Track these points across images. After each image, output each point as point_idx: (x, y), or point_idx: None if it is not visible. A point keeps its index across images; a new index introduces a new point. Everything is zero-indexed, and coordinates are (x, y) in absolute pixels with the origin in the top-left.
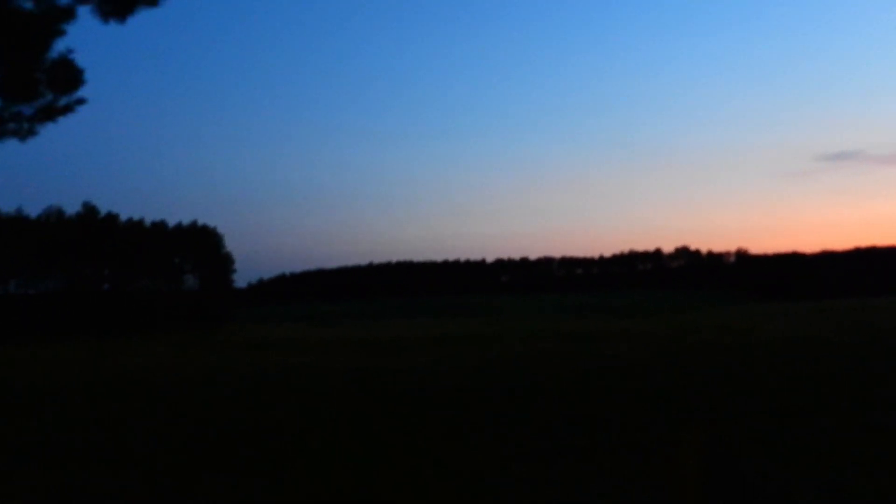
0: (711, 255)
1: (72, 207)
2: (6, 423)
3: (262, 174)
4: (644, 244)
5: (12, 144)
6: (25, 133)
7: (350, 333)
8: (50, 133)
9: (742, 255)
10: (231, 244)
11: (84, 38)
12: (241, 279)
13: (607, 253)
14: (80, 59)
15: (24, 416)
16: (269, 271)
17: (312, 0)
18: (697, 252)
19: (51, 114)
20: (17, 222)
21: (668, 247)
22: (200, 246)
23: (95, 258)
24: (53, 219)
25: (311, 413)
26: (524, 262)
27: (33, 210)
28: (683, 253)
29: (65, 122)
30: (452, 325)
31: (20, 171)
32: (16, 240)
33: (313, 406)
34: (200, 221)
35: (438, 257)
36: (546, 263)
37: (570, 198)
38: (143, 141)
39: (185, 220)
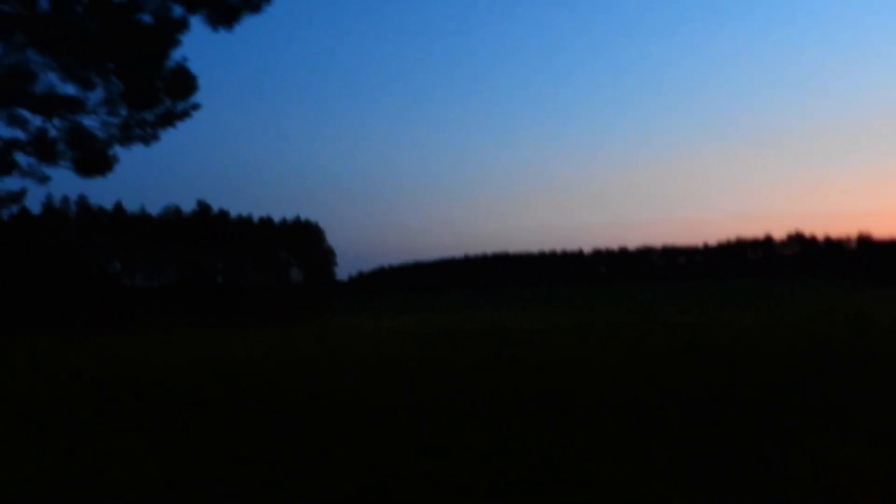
0: (829, 242)
1: (188, 206)
2: (139, 399)
3: (361, 170)
4: (753, 232)
5: (136, 148)
6: (149, 138)
7: (446, 322)
8: (168, 136)
9: (864, 241)
10: (332, 239)
11: (194, 46)
12: (342, 272)
13: (712, 241)
14: (192, 65)
15: (160, 393)
16: (368, 264)
17: None
18: (813, 238)
19: (170, 119)
20: (140, 220)
21: (780, 233)
22: (304, 240)
23: (209, 253)
24: (172, 216)
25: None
26: (623, 252)
27: (154, 209)
28: (797, 240)
29: (180, 126)
30: (549, 316)
31: (143, 173)
32: (140, 236)
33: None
34: (303, 217)
35: (535, 249)
36: (646, 253)
37: (672, 185)
38: (251, 142)
39: (290, 216)
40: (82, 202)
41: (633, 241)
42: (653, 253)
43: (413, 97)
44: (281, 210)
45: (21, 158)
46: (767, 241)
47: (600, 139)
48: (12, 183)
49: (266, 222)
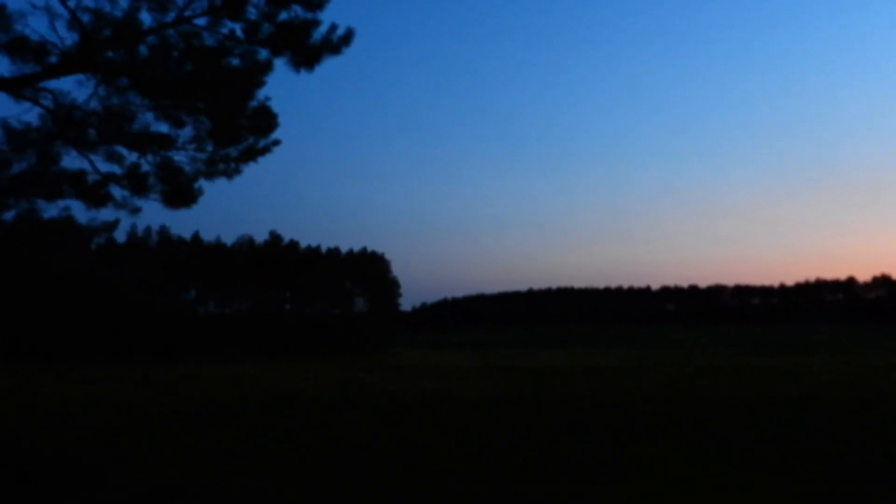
0: None
1: (260, 236)
2: (205, 431)
3: (430, 203)
4: (833, 274)
5: (218, 182)
6: (232, 172)
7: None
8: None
9: None
10: (397, 269)
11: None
12: (406, 303)
13: (789, 282)
14: (273, 104)
15: (227, 425)
16: (433, 296)
17: (473, 36)
18: None
19: (252, 155)
20: (215, 249)
21: (863, 276)
22: (369, 271)
23: (279, 282)
24: (245, 246)
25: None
26: (693, 289)
27: (228, 239)
28: (882, 282)
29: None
30: (608, 357)
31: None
32: (215, 265)
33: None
34: (370, 248)
35: (601, 284)
36: (717, 292)
37: (747, 224)
38: (321, 175)
39: (356, 247)
40: (163, 232)
41: (705, 280)
42: (724, 291)
43: (485, 133)
44: (349, 242)
45: (116, 191)
46: (850, 283)
47: (673, 179)
48: (106, 214)
49: (333, 253)
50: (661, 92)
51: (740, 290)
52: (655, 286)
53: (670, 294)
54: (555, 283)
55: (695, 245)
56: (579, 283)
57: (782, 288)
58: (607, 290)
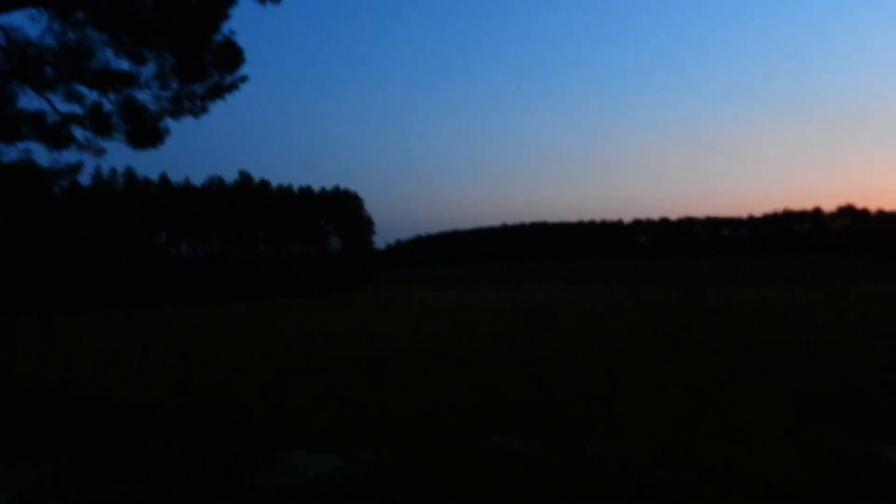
0: (883, 215)
1: (230, 176)
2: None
3: (401, 140)
4: (801, 205)
5: (185, 121)
6: (199, 111)
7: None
8: (213, 108)
9: None
10: (371, 208)
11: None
12: (380, 241)
13: (758, 213)
14: (239, 39)
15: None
16: (406, 233)
17: None
18: (865, 211)
19: (219, 91)
20: (185, 191)
21: (829, 206)
22: (343, 210)
23: (251, 222)
24: (215, 187)
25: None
26: (664, 222)
27: (197, 180)
28: (847, 212)
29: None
30: (590, 292)
31: (187, 145)
32: (185, 207)
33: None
34: (342, 187)
35: (573, 219)
36: (688, 224)
37: (717, 158)
38: (292, 113)
39: (329, 187)
40: (130, 174)
41: (676, 213)
42: (695, 224)
43: (460, 70)
44: (322, 181)
45: (78, 132)
46: (816, 214)
47: (644, 115)
48: (69, 156)
49: (305, 192)
50: (648, 25)
51: (711, 221)
52: (627, 219)
53: (642, 227)
54: (532, 218)
55: (672, 179)
56: (556, 218)
57: (751, 219)
58: (580, 224)
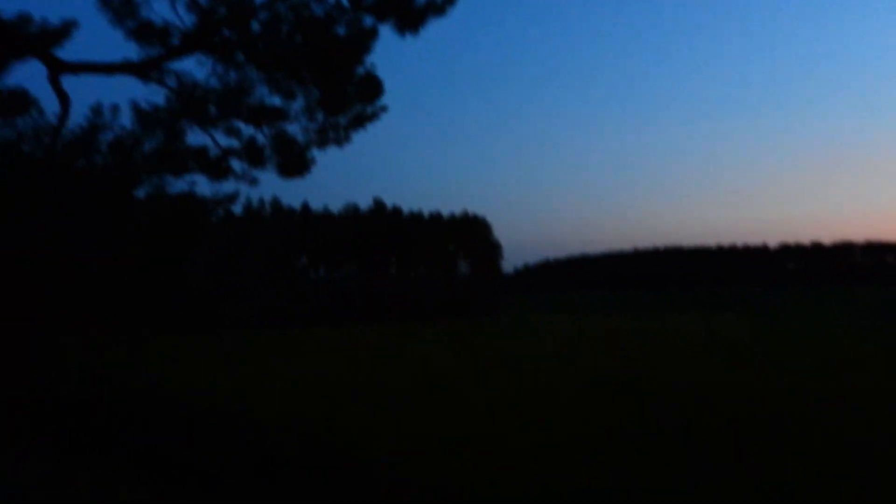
0: None
1: (364, 203)
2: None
3: (528, 162)
4: None
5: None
6: (343, 140)
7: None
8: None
9: None
10: (499, 232)
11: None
12: (508, 265)
13: None
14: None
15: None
16: (534, 256)
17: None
18: None
19: (361, 121)
20: (324, 218)
21: None
22: (470, 235)
23: (383, 248)
24: (350, 214)
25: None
26: (817, 247)
27: (334, 207)
28: None
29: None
30: (732, 324)
31: (326, 173)
32: (324, 233)
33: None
34: (471, 212)
35: (711, 243)
36: (845, 249)
37: (876, 177)
38: (423, 141)
39: (457, 211)
40: (275, 203)
41: (829, 236)
42: (853, 249)
43: (588, 92)
44: (451, 206)
45: (235, 164)
46: None
47: (790, 132)
48: (227, 186)
49: (435, 217)
50: (772, 34)
51: (871, 247)
52: (773, 244)
53: (791, 252)
54: (655, 242)
55: (822, 201)
56: (691, 242)
57: None
58: (720, 249)
